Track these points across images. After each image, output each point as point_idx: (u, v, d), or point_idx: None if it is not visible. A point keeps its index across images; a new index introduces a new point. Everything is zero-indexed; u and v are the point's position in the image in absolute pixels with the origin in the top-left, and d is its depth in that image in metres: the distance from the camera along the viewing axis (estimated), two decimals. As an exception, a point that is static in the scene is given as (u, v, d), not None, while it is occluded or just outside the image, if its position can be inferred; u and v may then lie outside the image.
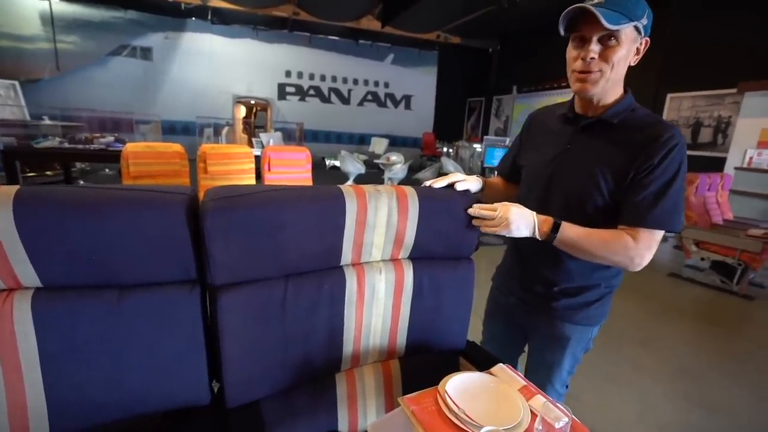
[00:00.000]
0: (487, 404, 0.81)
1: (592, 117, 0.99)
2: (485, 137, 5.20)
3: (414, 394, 0.84)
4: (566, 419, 0.69)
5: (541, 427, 0.70)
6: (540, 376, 1.17)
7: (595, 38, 0.86)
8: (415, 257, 1.05)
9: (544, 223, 0.94)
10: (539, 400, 0.70)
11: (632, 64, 0.93)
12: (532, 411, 0.78)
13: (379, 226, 0.96)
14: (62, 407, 0.74)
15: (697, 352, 2.47)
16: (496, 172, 1.37)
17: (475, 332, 1.23)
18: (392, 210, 0.96)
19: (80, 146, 4.24)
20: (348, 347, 1.00)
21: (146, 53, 9.05)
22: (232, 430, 0.83)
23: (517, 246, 1.15)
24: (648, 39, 0.92)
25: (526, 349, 1.28)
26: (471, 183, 1.03)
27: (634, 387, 2.02)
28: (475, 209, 0.95)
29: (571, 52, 0.93)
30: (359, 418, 1.02)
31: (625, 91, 0.98)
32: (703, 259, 3.72)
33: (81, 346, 0.76)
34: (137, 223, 0.76)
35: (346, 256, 0.94)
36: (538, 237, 0.94)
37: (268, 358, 0.88)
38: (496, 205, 0.95)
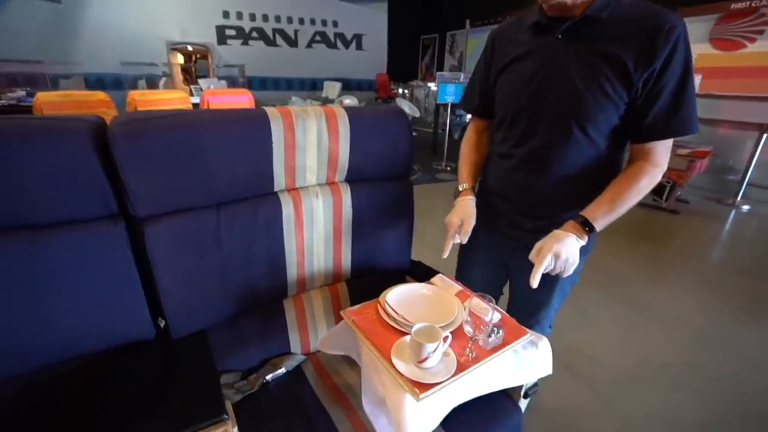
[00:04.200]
0: (424, 309, 0.85)
1: (571, 17, 0.81)
2: (438, 73, 5.07)
3: (356, 306, 0.87)
4: (493, 312, 0.73)
5: (469, 319, 0.75)
6: (527, 316, 1.05)
7: None
8: (351, 180, 1.03)
9: (573, 228, 0.81)
10: (473, 300, 0.74)
11: None
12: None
13: (310, 149, 0.93)
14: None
15: (628, 263, 2.71)
16: (467, 124, 1.14)
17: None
18: (322, 131, 0.93)
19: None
20: (292, 273, 1.01)
21: (51, -8, 7.77)
22: (181, 359, 0.84)
23: (503, 184, 0.99)
24: None
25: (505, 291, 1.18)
26: (471, 220, 0.90)
27: (572, 296, 2.20)
28: (534, 277, 0.78)
29: None
30: (311, 339, 1.06)
31: None
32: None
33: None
34: (38, 155, 0.68)
35: (280, 182, 0.92)
36: (584, 245, 0.82)
37: (209, 288, 0.88)
38: (540, 250, 0.80)
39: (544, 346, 0.82)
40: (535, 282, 0.77)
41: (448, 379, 0.67)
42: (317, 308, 1.07)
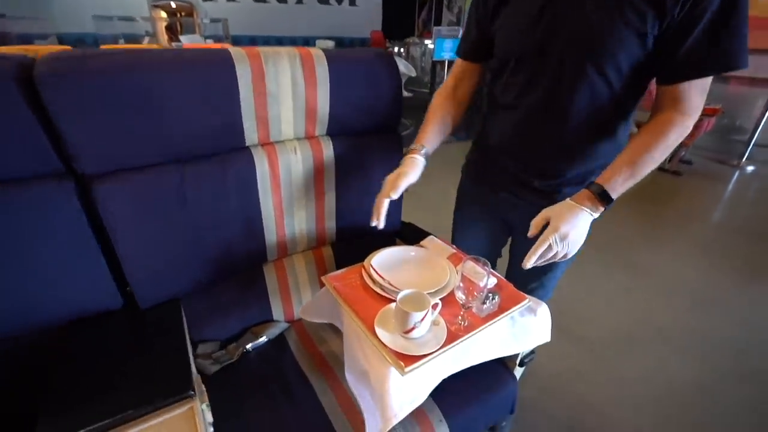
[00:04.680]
0: (413, 273, 0.81)
1: None
2: (435, 29, 4.79)
3: (338, 272, 0.82)
4: (488, 277, 0.66)
5: (462, 284, 0.69)
6: (530, 279, 0.98)
7: None
8: (333, 134, 0.95)
9: (588, 200, 0.71)
10: (467, 264, 0.68)
11: None
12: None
13: (284, 97, 0.82)
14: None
15: (629, 225, 2.65)
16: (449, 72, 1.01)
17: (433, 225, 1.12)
18: (297, 76, 0.82)
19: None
20: (271, 236, 0.94)
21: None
22: (147, 330, 0.77)
23: (507, 138, 0.88)
24: None
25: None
26: (409, 177, 0.79)
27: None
28: (530, 258, 0.69)
29: None
30: (294, 306, 1.01)
31: None
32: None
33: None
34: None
35: (251, 135, 0.83)
36: (597, 218, 0.73)
37: (179, 253, 0.81)
38: (539, 223, 0.72)
39: (543, 312, 0.78)
40: (529, 264, 0.69)
41: (436, 350, 0.63)
42: (300, 274, 1.01)
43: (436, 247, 0.92)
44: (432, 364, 0.63)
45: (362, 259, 0.82)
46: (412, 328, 0.64)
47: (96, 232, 0.73)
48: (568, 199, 0.73)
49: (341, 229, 1.05)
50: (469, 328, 0.69)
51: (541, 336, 0.79)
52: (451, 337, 0.66)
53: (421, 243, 0.94)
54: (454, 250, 0.90)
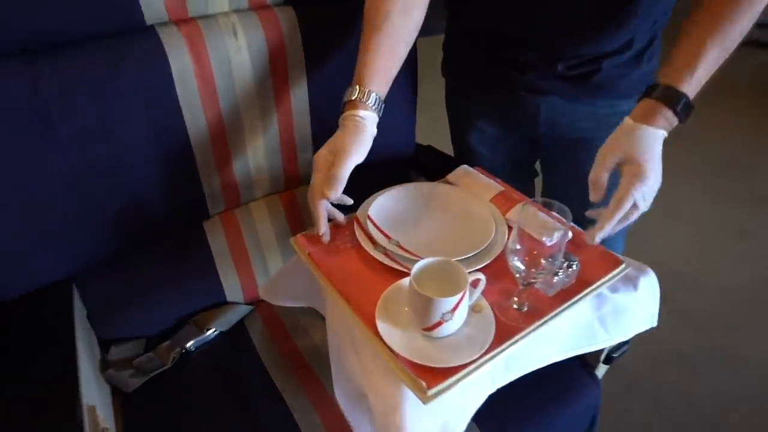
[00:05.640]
0: (435, 228, 0.78)
1: None
2: None
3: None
4: (561, 231, 0.59)
5: (519, 246, 0.60)
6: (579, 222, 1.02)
7: None
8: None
9: (656, 113, 0.70)
10: (527, 209, 0.62)
11: None
12: (510, 227, 0.73)
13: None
14: None
15: (731, 136, 2.52)
16: None
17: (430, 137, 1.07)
18: None
19: None
20: (210, 175, 0.90)
21: None
22: (15, 335, 0.72)
23: (507, 14, 0.89)
24: None
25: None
26: (349, 157, 0.71)
27: (667, 185, 2.10)
28: (601, 229, 0.68)
29: None
30: (258, 279, 0.98)
31: None
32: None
33: None
34: None
35: (153, 4, 0.75)
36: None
37: (56, 210, 0.76)
38: (601, 175, 0.70)
39: (648, 284, 0.73)
40: (598, 238, 0.68)
41: (479, 357, 0.56)
42: (263, 230, 0.97)
43: (473, 184, 0.86)
44: (473, 379, 0.56)
45: (356, 205, 0.77)
46: (439, 323, 0.56)
47: None
48: (629, 120, 0.70)
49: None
50: (532, 317, 0.62)
51: (643, 319, 0.75)
52: (503, 333, 0.59)
53: (449, 177, 0.89)
54: (502, 188, 0.84)
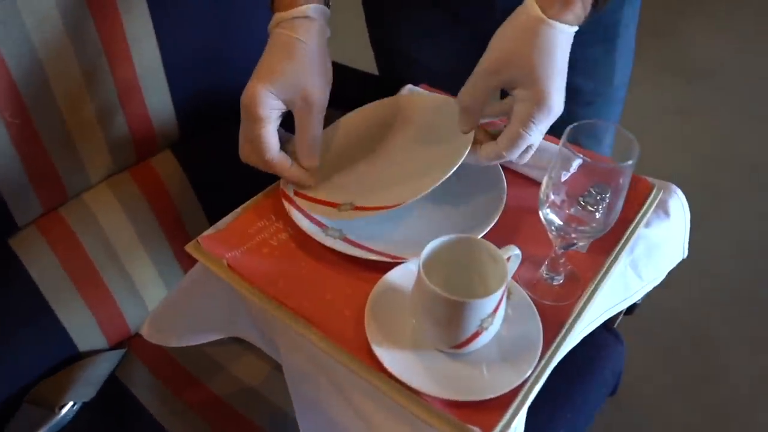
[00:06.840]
0: (395, 156, 0.76)
1: None
2: None
3: (225, 220, 0.70)
4: (578, 157, 0.55)
5: (553, 196, 0.58)
6: None
7: None
8: None
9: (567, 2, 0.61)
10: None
11: None
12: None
13: None
14: None
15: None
16: None
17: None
18: None
19: None
20: (4, 165, 0.78)
21: None
22: None
23: None
24: None
25: None
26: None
27: (694, 121, 2.11)
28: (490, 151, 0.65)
29: None
30: (122, 303, 0.90)
31: None
32: None
33: None
34: None
35: None
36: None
37: None
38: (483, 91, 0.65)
39: (678, 205, 0.75)
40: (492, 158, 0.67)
41: (537, 365, 0.52)
42: (114, 229, 0.89)
43: (440, 109, 0.79)
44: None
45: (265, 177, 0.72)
46: (476, 334, 0.50)
47: None
48: (531, 10, 0.62)
49: (190, 104, 0.94)
50: (574, 287, 0.61)
51: (675, 252, 0.78)
52: (550, 322, 0.56)
53: (398, 96, 0.87)
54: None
